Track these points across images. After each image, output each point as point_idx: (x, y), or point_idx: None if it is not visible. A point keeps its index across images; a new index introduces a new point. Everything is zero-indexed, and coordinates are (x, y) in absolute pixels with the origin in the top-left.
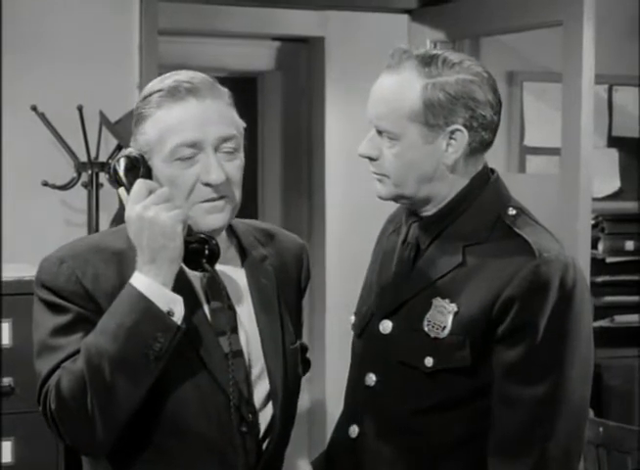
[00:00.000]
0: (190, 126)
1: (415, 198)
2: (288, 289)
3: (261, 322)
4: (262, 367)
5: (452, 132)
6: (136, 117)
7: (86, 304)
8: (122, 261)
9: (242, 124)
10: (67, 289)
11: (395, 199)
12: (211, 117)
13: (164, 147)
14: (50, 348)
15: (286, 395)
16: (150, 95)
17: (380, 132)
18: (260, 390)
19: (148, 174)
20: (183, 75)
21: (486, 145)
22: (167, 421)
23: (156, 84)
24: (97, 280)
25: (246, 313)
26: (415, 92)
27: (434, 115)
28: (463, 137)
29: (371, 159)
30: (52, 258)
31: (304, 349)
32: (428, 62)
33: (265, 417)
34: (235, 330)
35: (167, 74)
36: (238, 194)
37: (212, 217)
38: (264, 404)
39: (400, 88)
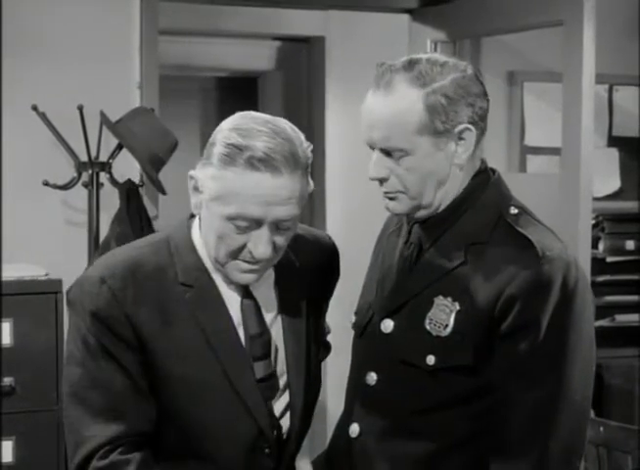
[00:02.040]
0: (256, 203)
1: (432, 205)
2: (316, 294)
3: (288, 340)
4: (284, 383)
5: (461, 132)
6: (210, 146)
7: (126, 332)
8: (162, 279)
9: (310, 190)
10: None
11: (413, 212)
12: (281, 196)
13: (224, 207)
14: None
15: (304, 412)
16: (229, 144)
17: (388, 153)
18: (279, 404)
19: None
20: (266, 141)
21: (484, 134)
22: (194, 446)
23: (235, 135)
24: (137, 304)
25: (275, 330)
26: (417, 104)
27: (441, 120)
28: (471, 135)
29: (382, 180)
30: (93, 278)
31: (326, 332)
32: (416, 74)
33: (283, 432)
34: (269, 355)
35: (251, 123)
36: (280, 254)
37: (246, 276)
38: (281, 418)
39: (400, 106)
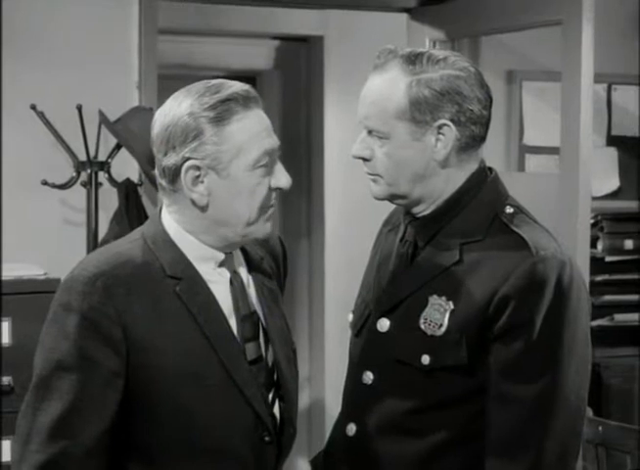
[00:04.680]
0: (266, 135)
1: (410, 197)
2: (279, 286)
3: (270, 325)
4: (271, 365)
5: (440, 127)
6: (198, 130)
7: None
8: (151, 273)
9: None
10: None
11: (390, 198)
12: (270, 125)
13: (249, 155)
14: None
15: (296, 396)
16: (212, 107)
17: (370, 132)
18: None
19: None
20: (235, 86)
21: (479, 140)
22: (195, 442)
23: (209, 97)
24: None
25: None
26: (400, 90)
27: (421, 111)
28: (451, 132)
29: (364, 159)
30: (84, 278)
31: None
32: (412, 60)
33: (277, 418)
34: (258, 336)
35: (211, 85)
36: None
37: (269, 225)
38: (273, 403)
39: (386, 87)
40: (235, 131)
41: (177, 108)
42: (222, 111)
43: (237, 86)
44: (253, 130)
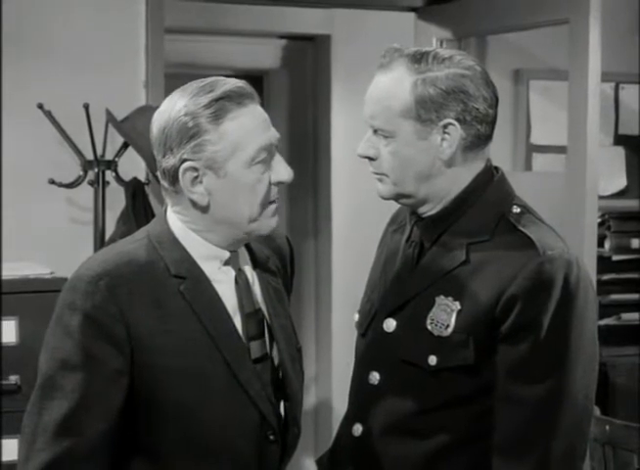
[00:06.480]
0: (262, 130)
1: (415, 196)
2: (285, 285)
3: (275, 323)
4: (277, 365)
5: (445, 126)
6: (193, 130)
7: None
8: (155, 273)
9: None
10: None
11: (396, 198)
12: (267, 118)
13: (245, 152)
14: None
15: (301, 395)
16: (206, 106)
17: (375, 131)
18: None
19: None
20: (228, 84)
21: (485, 139)
22: (199, 443)
23: (202, 97)
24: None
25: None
26: (405, 89)
27: (426, 110)
28: (456, 131)
29: (370, 158)
30: (87, 277)
31: None
32: (418, 58)
33: (282, 417)
34: (263, 334)
35: (205, 84)
36: None
37: (274, 220)
38: (277, 402)
39: (391, 86)
40: (229, 130)
41: (172, 109)
42: (216, 110)
43: (230, 83)
44: (248, 127)
